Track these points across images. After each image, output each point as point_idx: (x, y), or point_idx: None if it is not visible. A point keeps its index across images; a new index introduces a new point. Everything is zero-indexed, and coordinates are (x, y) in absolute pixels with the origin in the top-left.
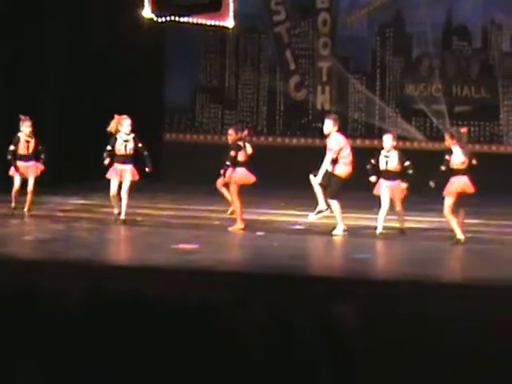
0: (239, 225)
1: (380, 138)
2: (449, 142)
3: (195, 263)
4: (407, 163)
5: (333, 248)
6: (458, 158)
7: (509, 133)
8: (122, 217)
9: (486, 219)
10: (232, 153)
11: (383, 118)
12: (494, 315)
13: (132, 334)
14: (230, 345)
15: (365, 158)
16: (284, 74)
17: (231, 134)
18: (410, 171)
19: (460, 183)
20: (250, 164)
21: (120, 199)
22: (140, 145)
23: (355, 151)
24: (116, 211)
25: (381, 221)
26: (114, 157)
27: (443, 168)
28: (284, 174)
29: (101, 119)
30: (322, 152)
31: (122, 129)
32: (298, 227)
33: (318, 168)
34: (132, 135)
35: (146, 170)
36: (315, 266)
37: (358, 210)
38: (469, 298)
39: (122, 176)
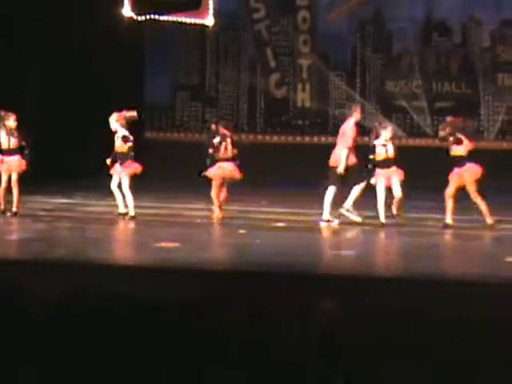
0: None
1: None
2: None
3: (177, 261)
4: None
5: (316, 245)
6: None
7: (489, 128)
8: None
9: (465, 215)
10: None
11: (364, 114)
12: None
13: (116, 332)
14: (213, 343)
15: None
16: (264, 71)
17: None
18: None
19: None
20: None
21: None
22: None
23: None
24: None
25: (381, 211)
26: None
27: None
28: (265, 171)
29: (81, 117)
30: (303, 149)
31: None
32: (279, 224)
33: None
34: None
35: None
36: (298, 264)
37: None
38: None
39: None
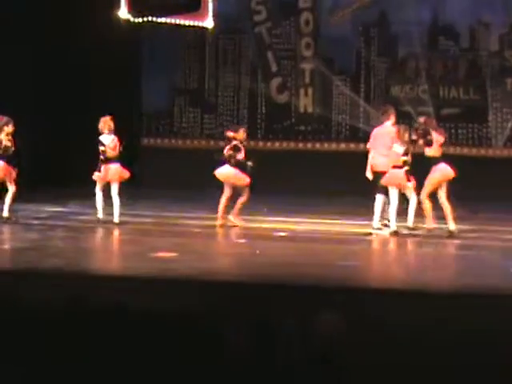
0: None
1: (365, 141)
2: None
3: (174, 272)
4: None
5: (318, 256)
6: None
7: (498, 135)
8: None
9: (473, 225)
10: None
11: (368, 120)
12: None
13: (109, 344)
14: (212, 357)
15: (350, 163)
16: (265, 75)
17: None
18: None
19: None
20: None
21: None
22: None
23: (339, 156)
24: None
25: (393, 217)
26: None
27: None
28: (266, 178)
29: (77, 123)
30: (305, 156)
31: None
32: (281, 234)
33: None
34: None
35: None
36: (299, 275)
37: (345, 216)
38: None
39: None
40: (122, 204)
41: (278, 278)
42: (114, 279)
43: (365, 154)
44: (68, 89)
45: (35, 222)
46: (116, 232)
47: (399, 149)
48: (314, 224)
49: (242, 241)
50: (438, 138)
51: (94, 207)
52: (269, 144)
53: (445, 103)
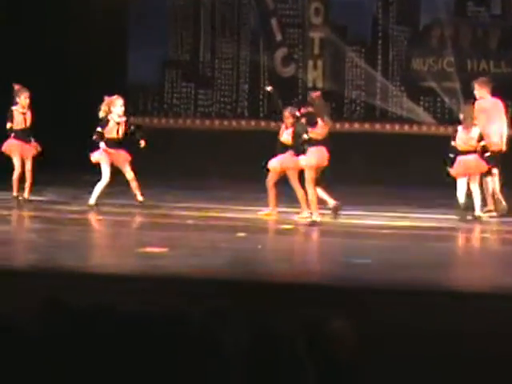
0: (305, 213)
1: (382, 121)
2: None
3: (165, 269)
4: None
5: (327, 251)
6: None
7: None
8: (139, 198)
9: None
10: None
11: (386, 97)
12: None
13: (93, 348)
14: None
15: (365, 145)
16: (269, 46)
17: (288, 117)
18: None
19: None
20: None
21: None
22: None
23: (353, 137)
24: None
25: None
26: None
27: None
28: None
29: (56, 100)
30: None
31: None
32: (285, 227)
33: None
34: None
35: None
36: (304, 272)
37: (359, 207)
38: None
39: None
40: (106, 193)
41: (282, 276)
42: (96, 278)
43: (382, 136)
44: (45, 61)
45: (7, 212)
46: (99, 224)
47: (475, 131)
48: (324, 215)
49: (242, 234)
50: (321, 124)
51: (73, 195)
52: (272, 125)
53: (473, 77)
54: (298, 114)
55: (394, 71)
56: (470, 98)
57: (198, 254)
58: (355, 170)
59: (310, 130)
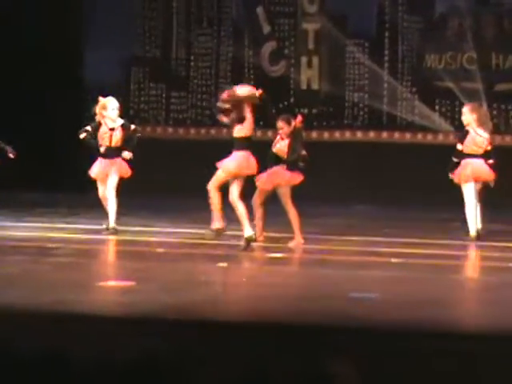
0: (297, 240)
1: (390, 128)
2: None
3: (131, 308)
4: None
5: (324, 284)
6: None
7: None
8: (111, 224)
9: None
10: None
11: (394, 100)
12: None
13: None
14: None
15: (370, 157)
16: (254, 40)
17: (282, 127)
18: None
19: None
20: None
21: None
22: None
23: (355, 147)
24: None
25: (472, 220)
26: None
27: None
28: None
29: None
30: (309, 149)
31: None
32: (275, 255)
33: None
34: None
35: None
36: (298, 311)
37: (360, 230)
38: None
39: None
40: (61, 214)
41: (272, 317)
42: (47, 318)
43: (390, 145)
44: None
45: None
46: (53, 252)
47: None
48: (322, 242)
49: (223, 264)
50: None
51: (19, 217)
52: (259, 133)
53: (498, 76)
54: (294, 122)
55: (403, 69)
56: (492, 101)
57: (170, 288)
58: (358, 187)
59: (236, 128)
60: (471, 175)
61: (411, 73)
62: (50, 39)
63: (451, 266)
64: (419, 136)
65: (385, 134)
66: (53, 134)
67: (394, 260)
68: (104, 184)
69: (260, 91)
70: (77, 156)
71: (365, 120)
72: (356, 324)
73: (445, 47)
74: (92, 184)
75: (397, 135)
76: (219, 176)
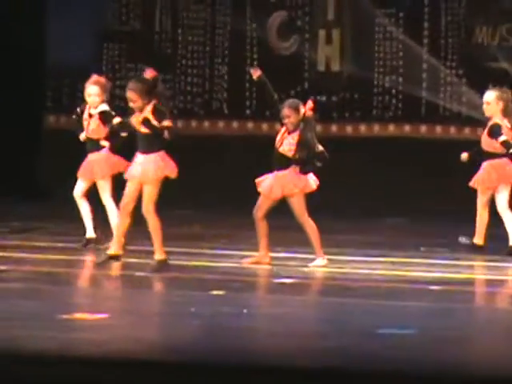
0: (320, 260)
1: (430, 120)
2: None
3: (99, 347)
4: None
5: (347, 317)
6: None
7: None
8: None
9: None
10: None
11: (436, 84)
12: None
13: None
14: None
15: (405, 155)
16: (259, 9)
17: (289, 116)
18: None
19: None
20: None
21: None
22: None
23: (386, 144)
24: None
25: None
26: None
27: None
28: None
29: None
30: (328, 144)
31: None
32: (283, 281)
33: None
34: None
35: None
36: (312, 351)
37: (394, 250)
38: None
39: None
40: (13, 228)
41: (281, 358)
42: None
43: (430, 142)
44: None
45: None
46: (1, 277)
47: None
48: (338, 262)
49: (219, 292)
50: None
51: None
52: (264, 126)
53: None
54: (304, 109)
55: (447, 46)
56: None
57: (150, 323)
58: (387, 195)
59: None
60: (495, 180)
61: (457, 51)
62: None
63: (506, 294)
64: (466, 130)
65: (423, 129)
66: (4, 128)
67: (432, 288)
68: (84, 181)
69: (257, 72)
70: (34, 154)
71: (398, 110)
72: (386, 368)
73: (500, 18)
74: (52, 190)
75: (439, 130)
76: (151, 190)
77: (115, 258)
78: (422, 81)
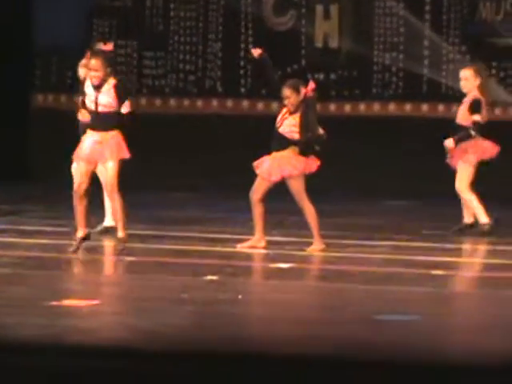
0: (318, 245)
1: (432, 99)
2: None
3: (90, 335)
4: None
5: (345, 302)
6: None
7: None
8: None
9: None
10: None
11: (438, 63)
12: None
13: None
14: None
15: (406, 136)
16: None
17: (289, 96)
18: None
19: None
20: None
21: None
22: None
23: (385, 124)
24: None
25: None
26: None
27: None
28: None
29: None
30: (327, 124)
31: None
32: (279, 266)
33: None
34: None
35: None
36: (311, 339)
37: (395, 233)
38: None
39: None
40: (0, 212)
41: (276, 345)
42: None
43: (432, 122)
44: None
45: None
46: None
47: None
48: (336, 246)
49: (213, 278)
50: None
51: None
52: (260, 105)
53: None
54: (305, 90)
55: (450, 22)
56: None
57: (143, 309)
58: (388, 177)
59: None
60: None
61: (460, 26)
62: None
63: (509, 279)
64: None
65: (425, 107)
66: None
67: (434, 272)
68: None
69: (258, 50)
70: (22, 134)
71: (399, 89)
72: (386, 355)
73: None
74: (41, 171)
75: (441, 108)
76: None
77: (86, 238)
78: (423, 58)
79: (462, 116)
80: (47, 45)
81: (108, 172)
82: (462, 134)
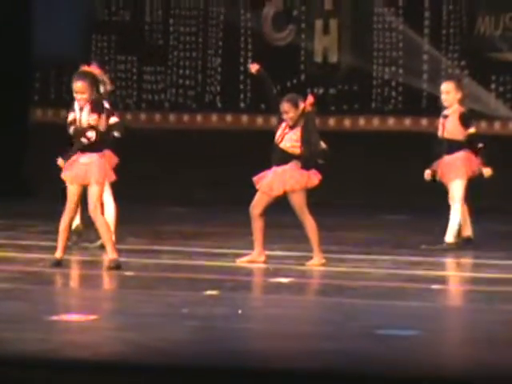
0: (318, 259)
1: (431, 114)
2: None
3: (89, 349)
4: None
5: (346, 317)
6: None
7: None
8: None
9: None
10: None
11: (436, 77)
12: None
13: None
14: None
15: (405, 150)
16: None
17: (288, 111)
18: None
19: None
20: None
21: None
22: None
23: (384, 139)
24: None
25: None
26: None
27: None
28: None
29: None
30: (326, 139)
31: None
32: (279, 280)
33: None
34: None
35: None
36: (311, 354)
37: (395, 248)
38: None
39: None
40: (1, 227)
41: (278, 360)
42: None
43: (432, 136)
44: None
45: None
46: None
47: None
48: (337, 261)
49: (212, 292)
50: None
51: None
52: (259, 120)
53: None
54: (304, 104)
55: (449, 36)
56: None
57: (142, 324)
58: (388, 191)
59: (91, 121)
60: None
61: (459, 41)
62: None
63: (510, 293)
64: None
65: (424, 122)
66: None
67: (434, 286)
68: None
69: (256, 65)
70: (21, 149)
71: (398, 103)
72: (386, 370)
73: (503, 6)
74: (39, 186)
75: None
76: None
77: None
78: (422, 72)
79: (453, 131)
80: (46, 60)
81: (90, 196)
82: (479, 152)
